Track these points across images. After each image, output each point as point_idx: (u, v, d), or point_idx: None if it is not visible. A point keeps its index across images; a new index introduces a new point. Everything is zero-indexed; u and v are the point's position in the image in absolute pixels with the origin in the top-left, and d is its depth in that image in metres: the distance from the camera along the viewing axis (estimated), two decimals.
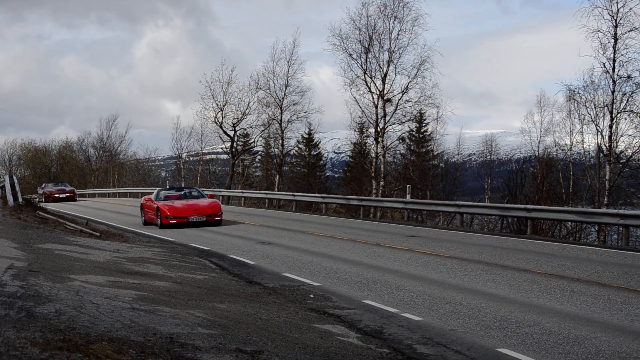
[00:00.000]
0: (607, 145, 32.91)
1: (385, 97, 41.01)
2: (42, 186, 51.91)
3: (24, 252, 12.58)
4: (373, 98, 41.41)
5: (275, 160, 55.29)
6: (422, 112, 46.64)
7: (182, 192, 26.82)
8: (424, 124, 57.59)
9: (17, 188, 26.43)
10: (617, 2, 31.68)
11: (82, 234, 19.57)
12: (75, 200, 49.63)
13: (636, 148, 33.80)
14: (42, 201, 46.08)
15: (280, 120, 49.77)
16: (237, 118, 52.49)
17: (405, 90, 40.81)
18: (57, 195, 48.91)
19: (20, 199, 26.15)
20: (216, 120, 52.86)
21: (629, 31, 31.52)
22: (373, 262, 14.74)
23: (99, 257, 13.74)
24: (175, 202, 24.89)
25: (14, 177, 31.88)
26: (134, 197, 56.20)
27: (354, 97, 41.90)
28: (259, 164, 69.42)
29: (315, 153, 69.30)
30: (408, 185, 31.24)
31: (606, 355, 7.51)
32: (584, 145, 42.27)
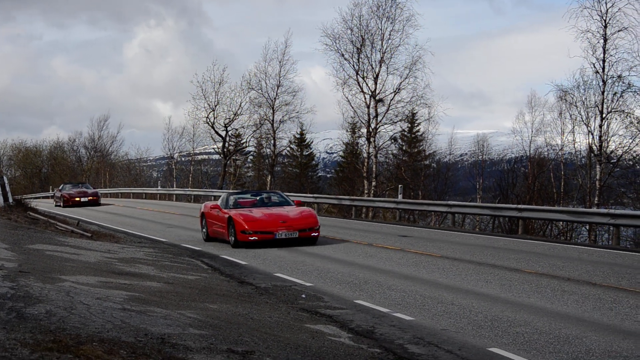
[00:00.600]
0: (597, 145, 33.01)
1: (377, 97, 41.06)
2: (60, 188, 44.20)
3: (14, 253, 12.54)
4: (365, 98, 41.45)
5: (267, 161, 55.24)
6: (414, 112, 46.72)
7: (259, 197, 20.22)
8: (415, 124, 57.65)
9: (8, 188, 26.31)
10: (605, 3, 31.79)
11: (73, 234, 19.51)
12: (99, 204, 41.25)
13: (626, 148, 33.92)
14: (59, 205, 40.24)
15: (272, 120, 49.75)
16: (229, 118, 52.48)
17: (397, 91, 40.88)
18: (77, 199, 40.78)
19: (10, 200, 26.06)
20: (208, 120, 52.82)
21: (618, 31, 31.62)
22: (365, 262, 14.75)
23: (90, 258, 13.71)
24: (254, 211, 18.36)
25: (5, 178, 31.76)
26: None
27: (346, 97, 41.95)
28: (250, 164, 69.40)
29: (307, 153, 69.36)
30: (400, 185, 31.29)
31: (597, 354, 7.54)
32: (575, 145, 42.40)
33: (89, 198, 41.21)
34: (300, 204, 19.81)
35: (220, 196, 44.45)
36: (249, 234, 17.44)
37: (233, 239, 17.79)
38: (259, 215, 18.03)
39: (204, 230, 19.94)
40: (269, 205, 19.45)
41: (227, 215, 18.21)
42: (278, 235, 17.47)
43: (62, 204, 40.28)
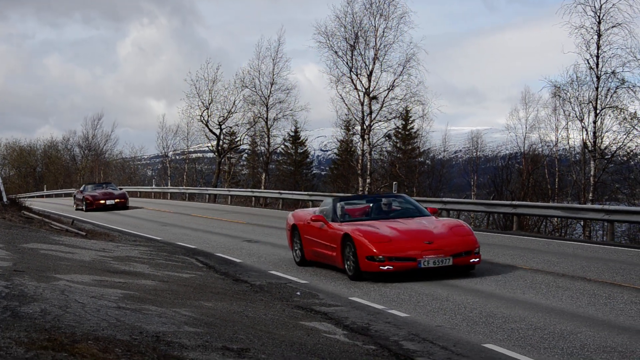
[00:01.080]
0: (592, 141, 33.07)
1: (371, 95, 41.04)
2: (82, 189, 38.34)
3: (9, 252, 12.51)
4: (359, 95, 41.43)
5: (261, 159, 55.23)
6: (408, 109, 46.72)
7: (376, 203, 14.27)
8: (410, 121, 57.73)
9: (2, 188, 26.26)
10: None
11: (68, 233, 19.48)
12: (127, 207, 35.68)
13: (620, 144, 33.99)
14: (81, 209, 35.47)
15: (266, 118, 49.71)
16: (223, 116, 52.47)
17: (391, 88, 40.87)
18: (102, 202, 35.23)
19: (5, 199, 26.02)
20: (202, 118, 52.83)
21: (612, 27, 31.63)
22: None
23: (84, 257, 13.69)
24: (379, 226, 12.72)
25: None
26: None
27: (340, 95, 41.90)
28: (245, 162, 69.35)
29: (301, 151, 69.30)
30: (394, 183, 31.30)
31: (591, 349, 7.56)
32: (569, 142, 42.54)
33: (116, 200, 35.70)
34: (436, 212, 14.33)
35: (212, 193, 44.93)
36: (379, 261, 11.84)
37: (353, 266, 12.26)
38: (388, 231, 12.44)
39: (296, 250, 14.55)
40: (393, 216, 13.67)
41: (341, 232, 12.70)
42: (423, 262, 11.86)
43: (84, 207, 35.19)
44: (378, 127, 42.34)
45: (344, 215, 13.57)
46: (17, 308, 6.96)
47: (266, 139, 50.76)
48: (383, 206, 14.07)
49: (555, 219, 33.86)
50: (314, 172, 78.52)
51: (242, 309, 9.30)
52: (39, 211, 26.51)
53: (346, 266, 12.53)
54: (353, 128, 50.66)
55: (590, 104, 33.07)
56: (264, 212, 31.55)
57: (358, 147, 45.32)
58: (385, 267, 11.86)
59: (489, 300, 10.20)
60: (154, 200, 47.18)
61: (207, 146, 58.69)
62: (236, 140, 56.90)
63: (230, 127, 54.70)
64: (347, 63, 41.32)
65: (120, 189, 40.48)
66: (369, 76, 41.02)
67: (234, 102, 51.49)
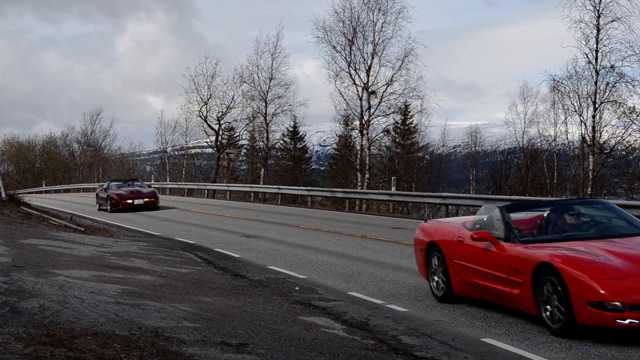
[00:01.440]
0: (590, 135, 33.08)
1: (369, 90, 41.07)
2: (105, 186, 33.58)
3: (8, 248, 12.51)
4: (357, 90, 41.49)
5: (260, 154, 55.26)
6: (407, 104, 46.76)
7: (558, 212, 9.50)
8: (408, 116, 57.76)
9: (0, 184, 26.24)
10: None
11: (67, 229, 19.47)
12: (158, 207, 31.46)
13: (619, 138, 34.00)
14: (104, 209, 31.46)
15: (265, 113, 49.74)
16: (222, 112, 52.52)
17: (389, 83, 40.93)
18: (130, 201, 30.90)
19: (3, 195, 26.02)
20: (200, 114, 52.86)
21: (611, 21, 31.63)
22: (358, 254, 14.76)
23: (83, 252, 13.69)
24: (590, 250, 8.09)
25: None
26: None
27: (339, 90, 41.98)
28: (244, 158, 69.37)
29: (300, 146, 69.31)
30: (393, 178, 31.30)
31: (589, 343, 7.56)
32: (568, 136, 42.57)
33: (145, 200, 31.25)
34: None
35: (211, 189, 44.98)
36: (614, 311, 7.35)
37: (560, 316, 7.80)
38: (616, 261, 7.86)
39: (436, 280, 10.18)
40: (595, 234, 8.97)
41: (533, 260, 8.20)
42: None
43: (109, 207, 31.04)
44: (377, 122, 42.46)
45: (517, 231, 9.11)
46: (16, 304, 6.96)
47: (265, 134, 50.80)
48: (569, 217, 9.52)
49: None
50: (313, 167, 78.53)
51: (240, 304, 9.31)
52: (38, 207, 26.50)
53: (545, 314, 8.03)
54: (352, 123, 50.72)
55: (589, 98, 33.08)
56: (262, 208, 31.58)
57: (357, 142, 45.39)
58: (627, 321, 7.31)
59: None
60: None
61: (206, 142, 58.68)
62: (235, 135, 56.96)
63: (229, 123, 54.78)
64: (345, 58, 41.41)
65: (149, 186, 35.56)
66: (368, 71, 41.07)
67: (233, 97, 51.58)
